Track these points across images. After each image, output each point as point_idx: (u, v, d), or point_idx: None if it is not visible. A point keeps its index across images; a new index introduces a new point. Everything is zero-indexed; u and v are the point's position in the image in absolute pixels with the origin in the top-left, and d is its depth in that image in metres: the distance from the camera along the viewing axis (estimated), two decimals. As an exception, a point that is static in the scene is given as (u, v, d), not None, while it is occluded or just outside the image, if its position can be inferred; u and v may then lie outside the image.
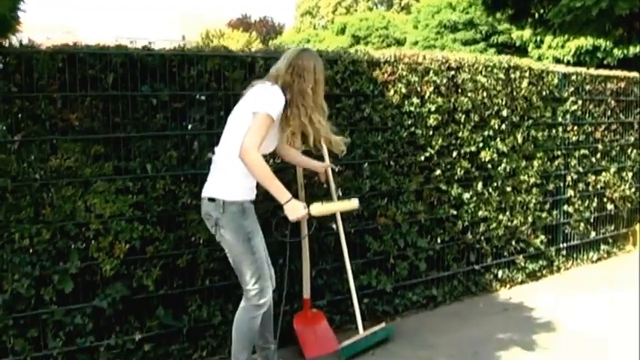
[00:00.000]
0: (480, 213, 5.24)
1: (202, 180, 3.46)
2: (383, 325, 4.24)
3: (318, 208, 3.40)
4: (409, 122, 4.72)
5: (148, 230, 3.70)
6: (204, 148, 3.89)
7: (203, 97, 3.89)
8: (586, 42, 15.78)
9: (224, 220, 3.22)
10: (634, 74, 6.68)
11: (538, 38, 18.54)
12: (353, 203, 3.63)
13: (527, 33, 19.21)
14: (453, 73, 4.94)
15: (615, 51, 16.21)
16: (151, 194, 3.71)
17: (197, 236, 3.86)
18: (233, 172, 3.22)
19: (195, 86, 3.84)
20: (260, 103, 3.17)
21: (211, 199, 3.25)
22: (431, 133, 4.84)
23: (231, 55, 3.98)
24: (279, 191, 3.19)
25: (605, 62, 14.11)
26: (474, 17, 23.84)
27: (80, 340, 3.54)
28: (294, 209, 3.23)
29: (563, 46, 16.51)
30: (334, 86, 4.29)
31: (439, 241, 5.02)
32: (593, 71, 6.29)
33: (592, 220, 6.35)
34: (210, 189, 3.30)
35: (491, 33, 22.41)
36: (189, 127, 3.87)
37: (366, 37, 24.63)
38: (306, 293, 4.11)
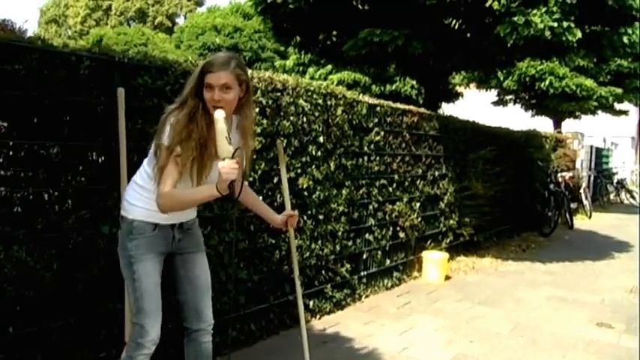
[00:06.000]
0: (296, 242, 5.05)
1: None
2: None
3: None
4: (235, 144, 4.37)
5: None
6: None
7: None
8: (348, 76, 16.82)
9: (119, 236, 2.93)
10: (425, 110, 7.09)
11: (301, 69, 19.34)
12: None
13: (290, 62, 19.95)
14: (278, 94, 4.72)
15: (373, 87, 17.52)
16: None
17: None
18: (135, 193, 2.89)
19: None
20: (158, 133, 2.72)
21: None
22: (254, 157, 4.54)
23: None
24: (207, 194, 2.69)
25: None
26: (238, 42, 24.11)
27: None
28: (228, 169, 2.56)
29: (325, 78, 17.37)
30: (163, 99, 3.80)
31: (257, 271, 4.71)
32: (392, 104, 6.50)
33: (387, 248, 6.54)
34: None
35: (254, 59, 22.81)
36: None
37: (124, 52, 23.59)
38: None
